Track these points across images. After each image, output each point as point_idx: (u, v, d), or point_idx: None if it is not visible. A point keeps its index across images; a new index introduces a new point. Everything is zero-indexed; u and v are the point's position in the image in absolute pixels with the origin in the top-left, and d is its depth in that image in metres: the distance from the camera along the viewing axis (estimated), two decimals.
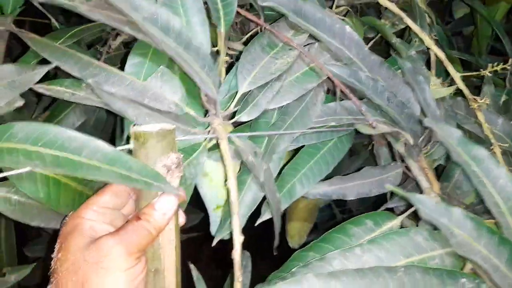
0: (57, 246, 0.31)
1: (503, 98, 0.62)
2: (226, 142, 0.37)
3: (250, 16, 0.45)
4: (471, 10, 0.81)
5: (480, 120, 0.54)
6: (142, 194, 0.33)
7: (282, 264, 0.38)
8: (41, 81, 0.39)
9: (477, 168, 0.36)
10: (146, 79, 0.37)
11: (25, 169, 0.31)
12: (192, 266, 0.47)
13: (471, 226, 0.34)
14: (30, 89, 0.37)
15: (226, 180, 0.37)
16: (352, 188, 0.46)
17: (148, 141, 0.33)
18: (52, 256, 0.31)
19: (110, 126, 0.67)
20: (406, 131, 0.43)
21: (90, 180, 0.36)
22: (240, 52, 0.45)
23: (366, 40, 0.62)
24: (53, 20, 0.58)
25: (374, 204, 0.56)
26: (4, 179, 0.34)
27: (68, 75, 0.47)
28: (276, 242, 0.43)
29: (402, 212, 0.41)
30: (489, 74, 0.55)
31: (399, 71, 0.50)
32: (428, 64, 0.59)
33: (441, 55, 0.56)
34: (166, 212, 0.32)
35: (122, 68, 0.39)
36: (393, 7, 0.57)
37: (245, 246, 0.37)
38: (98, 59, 0.45)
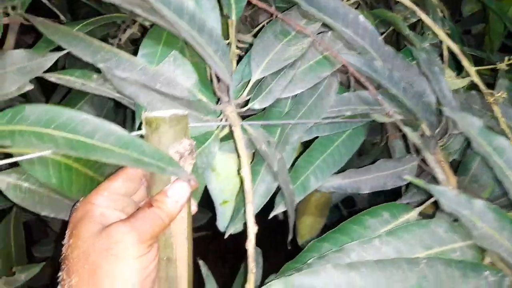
0: (67, 232, 0.30)
1: None
2: (239, 129, 0.36)
3: (261, 4, 0.44)
4: (483, 7, 0.80)
5: (497, 114, 0.53)
6: (154, 181, 0.32)
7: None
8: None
9: (499, 159, 0.35)
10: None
11: (37, 153, 0.31)
12: (201, 263, 0.46)
13: (493, 218, 0.33)
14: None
15: (239, 169, 0.36)
16: (366, 181, 0.45)
17: (160, 126, 0.32)
18: (63, 242, 0.30)
19: (120, 122, 0.67)
20: (422, 121, 0.42)
21: (102, 165, 0.35)
22: (250, 45, 0.44)
23: None
24: (62, 17, 0.58)
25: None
26: (14, 165, 0.33)
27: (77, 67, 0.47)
28: (290, 236, 0.42)
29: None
30: (505, 67, 0.54)
31: (413, 62, 0.49)
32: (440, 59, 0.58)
33: (456, 49, 0.55)
34: (178, 200, 0.32)
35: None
36: (405, 0, 0.56)
37: (256, 240, 0.35)
38: None
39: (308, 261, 0.33)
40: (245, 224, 0.40)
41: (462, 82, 0.50)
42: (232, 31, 0.43)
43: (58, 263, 0.30)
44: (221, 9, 0.41)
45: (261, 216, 0.41)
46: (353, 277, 0.28)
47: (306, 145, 0.46)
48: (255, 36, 0.48)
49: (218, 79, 0.41)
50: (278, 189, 0.42)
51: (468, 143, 0.50)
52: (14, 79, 0.33)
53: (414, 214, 0.38)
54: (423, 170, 0.48)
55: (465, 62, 0.55)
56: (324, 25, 0.45)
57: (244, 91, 0.39)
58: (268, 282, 0.30)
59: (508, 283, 0.31)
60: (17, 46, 0.55)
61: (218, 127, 0.39)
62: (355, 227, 0.36)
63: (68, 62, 0.55)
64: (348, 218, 0.37)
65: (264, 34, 0.41)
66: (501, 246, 0.33)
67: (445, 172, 0.45)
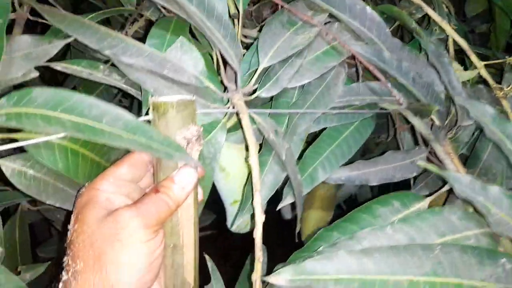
0: (73, 217, 0.30)
1: None
2: (247, 117, 0.36)
3: None
4: (488, 4, 0.80)
5: (506, 109, 0.53)
6: (161, 167, 0.32)
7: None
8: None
9: None
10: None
11: (44, 138, 0.30)
12: (207, 257, 0.45)
13: (508, 204, 0.32)
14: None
15: (247, 158, 0.36)
16: (375, 173, 0.44)
17: (168, 111, 0.31)
18: (68, 227, 0.29)
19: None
20: (434, 106, 0.41)
21: (108, 150, 0.35)
22: (255, 39, 0.44)
23: None
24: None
25: None
26: (20, 151, 0.32)
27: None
28: (298, 228, 0.41)
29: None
30: None
31: (421, 55, 0.49)
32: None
33: (463, 44, 0.54)
34: (185, 186, 0.31)
35: None
36: None
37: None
38: None
39: (318, 250, 0.32)
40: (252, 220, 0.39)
41: (470, 74, 0.50)
42: (238, 24, 0.43)
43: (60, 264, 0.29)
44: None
45: (266, 215, 0.40)
46: (367, 262, 0.28)
47: (311, 139, 0.46)
48: (260, 31, 0.48)
49: (226, 69, 0.41)
50: (284, 183, 0.41)
51: (477, 137, 0.49)
52: (20, 65, 0.33)
53: (425, 204, 0.37)
54: (432, 163, 0.47)
55: (473, 57, 0.55)
56: (331, 16, 0.45)
57: (251, 79, 0.39)
58: (277, 270, 0.29)
59: None
60: None
61: (225, 116, 0.38)
62: (364, 215, 0.35)
63: (73, 57, 0.55)
64: None
65: (272, 23, 0.41)
66: None
67: (455, 163, 0.44)
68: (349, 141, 0.44)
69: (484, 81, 0.55)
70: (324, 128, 0.45)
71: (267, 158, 0.40)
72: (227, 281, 0.51)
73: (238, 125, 0.42)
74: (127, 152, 0.32)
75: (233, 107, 0.37)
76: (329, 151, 0.43)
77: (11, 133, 0.31)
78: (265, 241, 0.33)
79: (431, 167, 0.32)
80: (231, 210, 0.46)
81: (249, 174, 0.36)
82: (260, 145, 0.43)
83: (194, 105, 0.32)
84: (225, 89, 0.39)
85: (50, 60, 0.37)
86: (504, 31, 0.75)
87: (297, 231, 0.41)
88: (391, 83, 0.43)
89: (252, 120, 0.38)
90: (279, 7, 0.44)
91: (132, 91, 0.41)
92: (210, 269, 0.45)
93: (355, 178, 0.44)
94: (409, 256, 0.28)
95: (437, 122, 0.43)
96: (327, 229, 0.35)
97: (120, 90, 0.45)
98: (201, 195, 0.34)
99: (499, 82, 0.59)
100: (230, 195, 0.46)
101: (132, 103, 0.64)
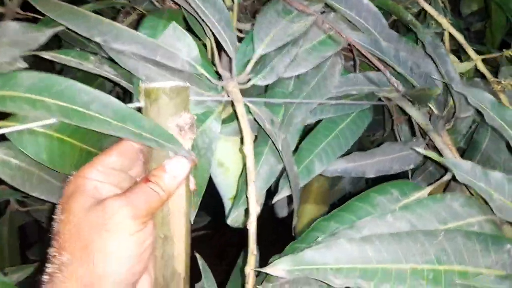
0: (59, 207, 0.28)
1: None
2: (242, 105, 0.35)
3: None
4: (484, 1, 0.80)
5: (503, 102, 0.52)
6: (152, 156, 0.31)
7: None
8: None
9: None
10: None
11: (26, 125, 0.29)
12: (198, 256, 0.44)
13: (510, 189, 0.31)
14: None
15: (242, 146, 0.34)
16: (372, 165, 0.43)
17: (160, 97, 0.30)
18: (55, 217, 0.28)
19: None
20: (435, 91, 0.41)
21: (98, 139, 0.34)
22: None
23: None
24: None
25: None
26: (4, 139, 0.31)
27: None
28: (294, 221, 0.40)
29: None
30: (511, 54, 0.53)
31: (417, 46, 0.49)
32: None
33: (459, 37, 0.54)
34: (177, 175, 0.30)
35: None
36: None
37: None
38: None
39: (317, 240, 0.31)
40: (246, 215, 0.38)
41: (467, 65, 0.50)
42: (233, 15, 0.42)
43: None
44: None
45: (260, 215, 0.38)
46: (368, 250, 0.26)
47: (307, 132, 0.45)
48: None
49: (220, 58, 0.40)
50: (279, 179, 0.40)
51: (474, 130, 0.48)
52: (7, 51, 0.32)
53: (424, 193, 0.36)
54: None
55: (470, 51, 0.54)
56: (327, 6, 0.44)
57: (246, 67, 0.38)
58: (272, 262, 0.28)
59: None
60: None
61: (219, 105, 0.37)
62: (362, 204, 0.34)
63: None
64: None
65: (267, 12, 0.40)
66: None
67: (453, 154, 0.43)
68: (345, 133, 0.43)
69: (481, 75, 0.54)
70: (320, 120, 0.44)
71: (263, 149, 0.39)
72: (223, 279, 0.50)
73: (233, 116, 0.41)
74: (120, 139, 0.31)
75: (228, 96, 0.36)
76: (326, 143, 0.42)
77: None
78: (259, 239, 0.32)
79: (431, 154, 0.31)
80: (230, 205, 0.45)
81: (245, 165, 0.35)
82: (256, 138, 0.42)
83: (188, 92, 0.31)
84: (220, 78, 0.38)
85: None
86: (500, 27, 0.75)
87: (293, 224, 0.40)
88: (389, 73, 0.43)
89: (248, 110, 0.37)
90: None
91: (123, 83, 0.40)
92: (201, 267, 0.44)
93: (351, 170, 0.43)
94: (411, 243, 0.27)
95: (435, 111, 0.43)
96: (324, 219, 0.34)
97: (116, 84, 0.44)
98: (193, 185, 0.33)
99: (495, 78, 0.59)
100: (229, 190, 0.45)
101: (131, 98, 0.63)
